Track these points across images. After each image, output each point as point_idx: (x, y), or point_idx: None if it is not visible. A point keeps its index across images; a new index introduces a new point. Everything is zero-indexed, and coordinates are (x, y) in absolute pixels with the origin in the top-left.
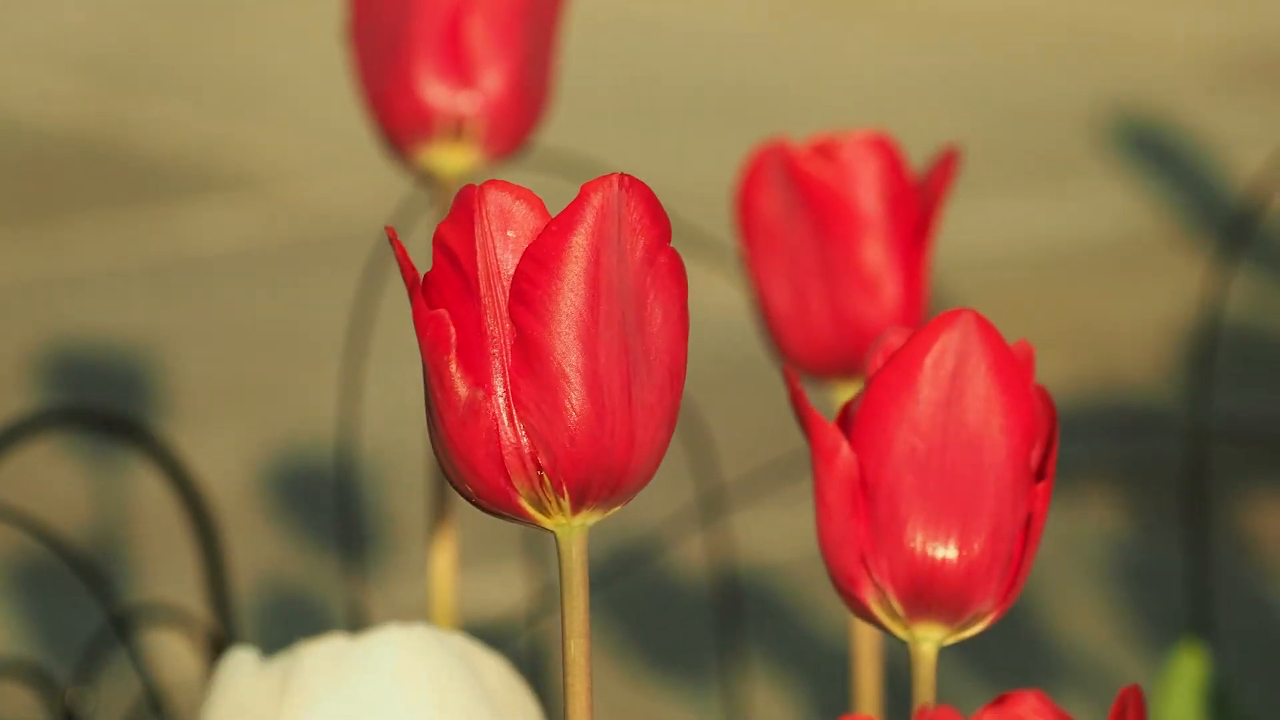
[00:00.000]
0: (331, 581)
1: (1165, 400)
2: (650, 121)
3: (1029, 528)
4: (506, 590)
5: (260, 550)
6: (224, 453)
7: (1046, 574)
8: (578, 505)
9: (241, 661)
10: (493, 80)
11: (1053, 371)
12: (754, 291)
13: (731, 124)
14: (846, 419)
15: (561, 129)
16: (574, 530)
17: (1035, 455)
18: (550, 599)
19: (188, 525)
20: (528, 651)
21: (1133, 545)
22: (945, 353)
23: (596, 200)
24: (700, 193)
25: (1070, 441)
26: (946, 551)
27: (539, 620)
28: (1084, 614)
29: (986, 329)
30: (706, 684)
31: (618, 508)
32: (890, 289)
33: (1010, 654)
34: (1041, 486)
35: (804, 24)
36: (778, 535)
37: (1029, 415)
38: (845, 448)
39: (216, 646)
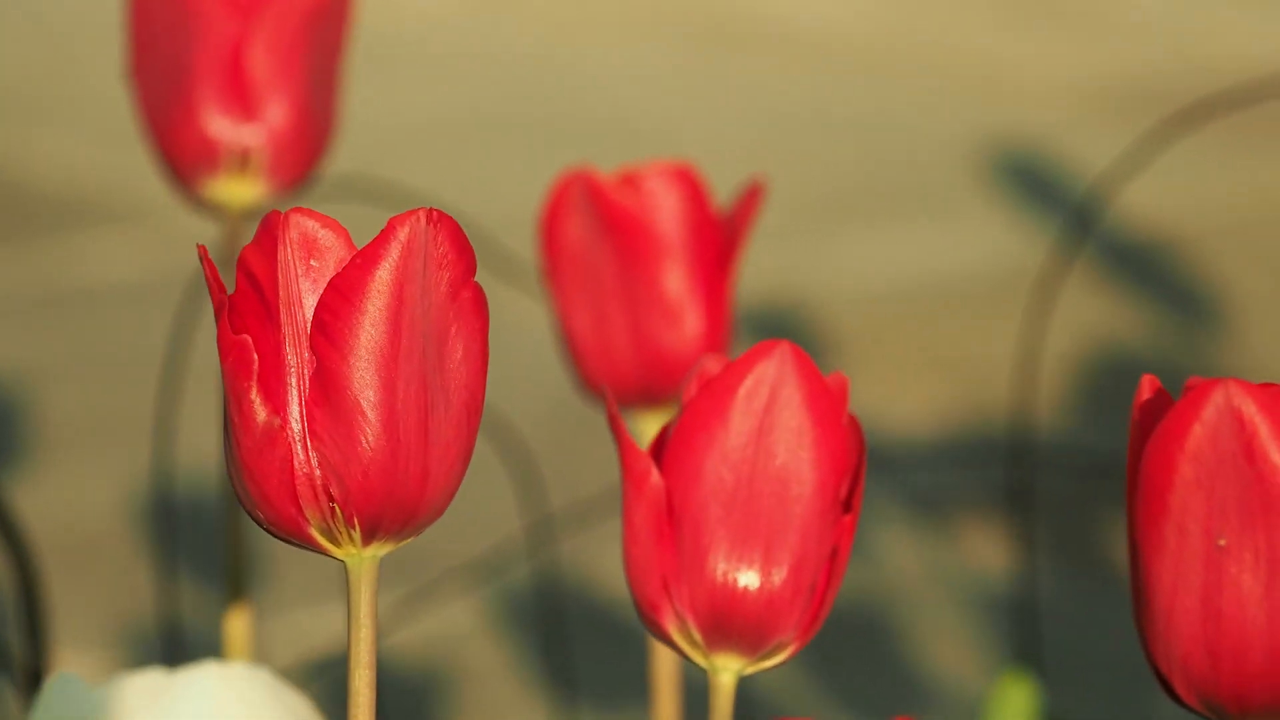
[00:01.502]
0: (215, 611)
1: (1037, 429)
2: (526, 154)
3: (834, 559)
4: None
5: (141, 580)
6: (106, 484)
7: (915, 602)
8: (369, 537)
9: (63, 690)
10: (276, 112)
11: (927, 401)
12: (558, 318)
13: (612, 158)
14: (661, 445)
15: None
16: (364, 561)
17: (844, 488)
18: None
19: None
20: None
21: (1002, 574)
22: (759, 383)
23: (403, 234)
24: None
25: (942, 470)
26: (748, 582)
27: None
28: (952, 642)
29: (801, 360)
30: (534, 712)
31: (409, 539)
32: (692, 318)
33: (877, 681)
34: (847, 519)
35: (693, 58)
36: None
37: (840, 448)
38: (655, 474)
39: (32, 680)
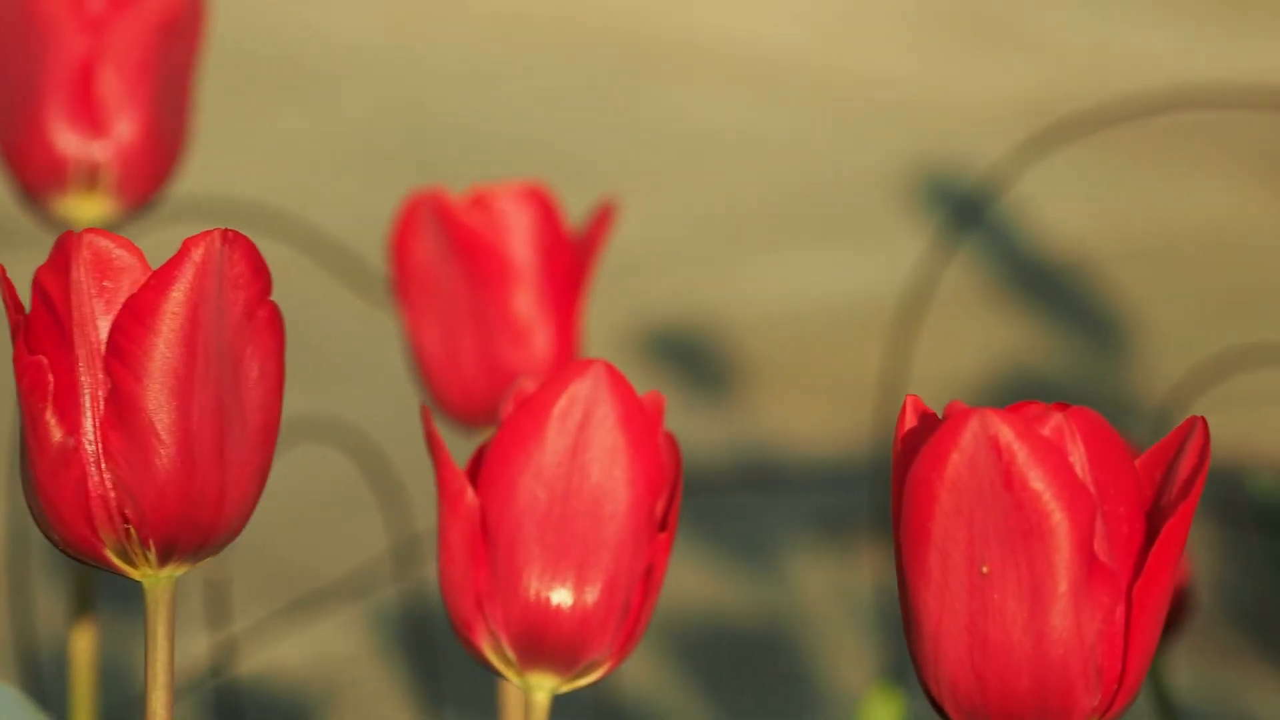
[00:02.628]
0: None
1: None
2: (435, 177)
3: (649, 577)
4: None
5: None
6: None
7: (815, 621)
8: (164, 558)
9: None
10: (126, 128)
11: (832, 422)
12: (408, 338)
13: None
14: (478, 464)
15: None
16: (160, 582)
17: (659, 506)
18: (228, 655)
19: None
20: (214, 704)
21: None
22: (574, 402)
23: (197, 255)
24: None
25: (845, 491)
26: (561, 600)
27: (220, 673)
28: (850, 660)
29: (616, 379)
30: None
31: (207, 559)
32: (541, 338)
33: (775, 700)
34: (663, 537)
35: (614, 80)
36: None
37: (655, 467)
38: (470, 492)
39: None
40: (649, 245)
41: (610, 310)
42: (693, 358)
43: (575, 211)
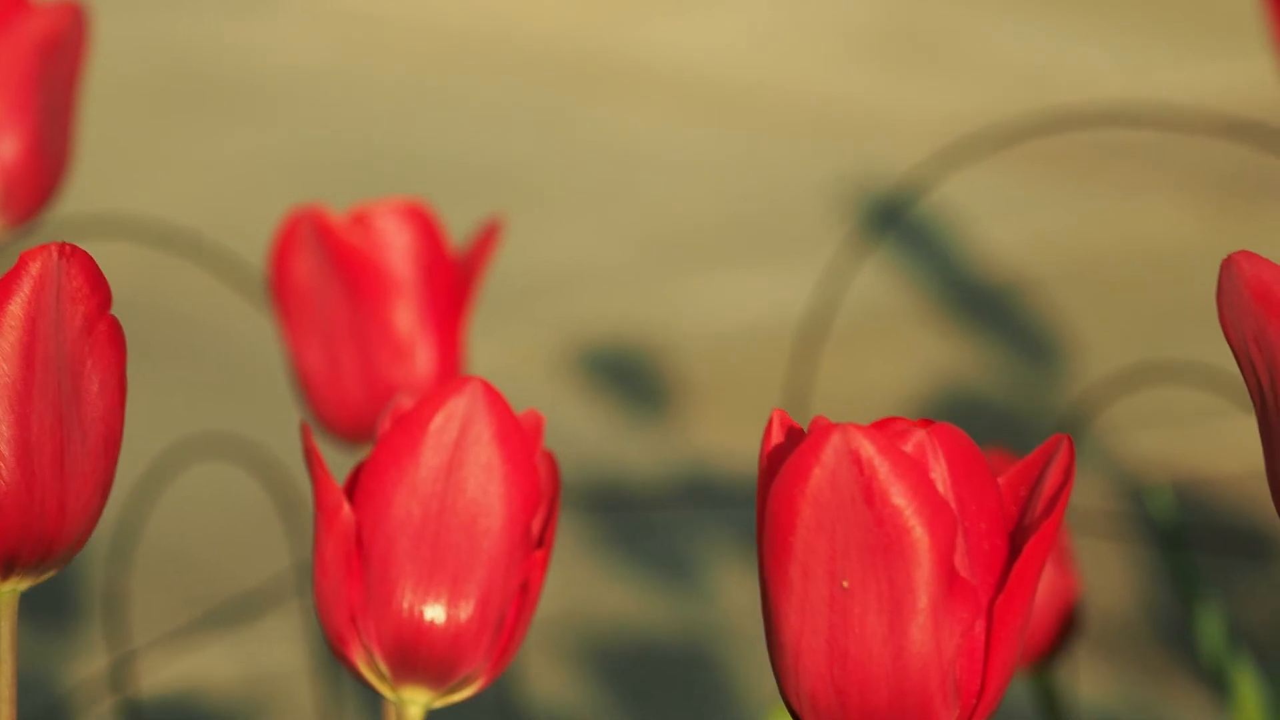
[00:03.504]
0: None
1: None
2: (372, 195)
3: (524, 593)
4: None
5: None
6: None
7: (746, 640)
8: (6, 572)
9: None
10: (8, 146)
11: None
12: (289, 354)
13: (478, 201)
14: (355, 479)
15: (278, 201)
16: (3, 597)
17: (536, 523)
18: (126, 672)
19: None
20: None
21: None
22: (450, 419)
23: (35, 269)
24: None
25: None
26: (434, 615)
27: (119, 690)
28: (755, 684)
29: (493, 397)
30: None
31: (51, 572)
32: (423, 356)
33: (699, 715)
34: (539, 554)
35: (556, 98)
36: None
37: (531, 484)
38: (346, 508)
39: None
40: (585, 264)
41: (545, 329)
42: (627, 376)
43: (519, 231)
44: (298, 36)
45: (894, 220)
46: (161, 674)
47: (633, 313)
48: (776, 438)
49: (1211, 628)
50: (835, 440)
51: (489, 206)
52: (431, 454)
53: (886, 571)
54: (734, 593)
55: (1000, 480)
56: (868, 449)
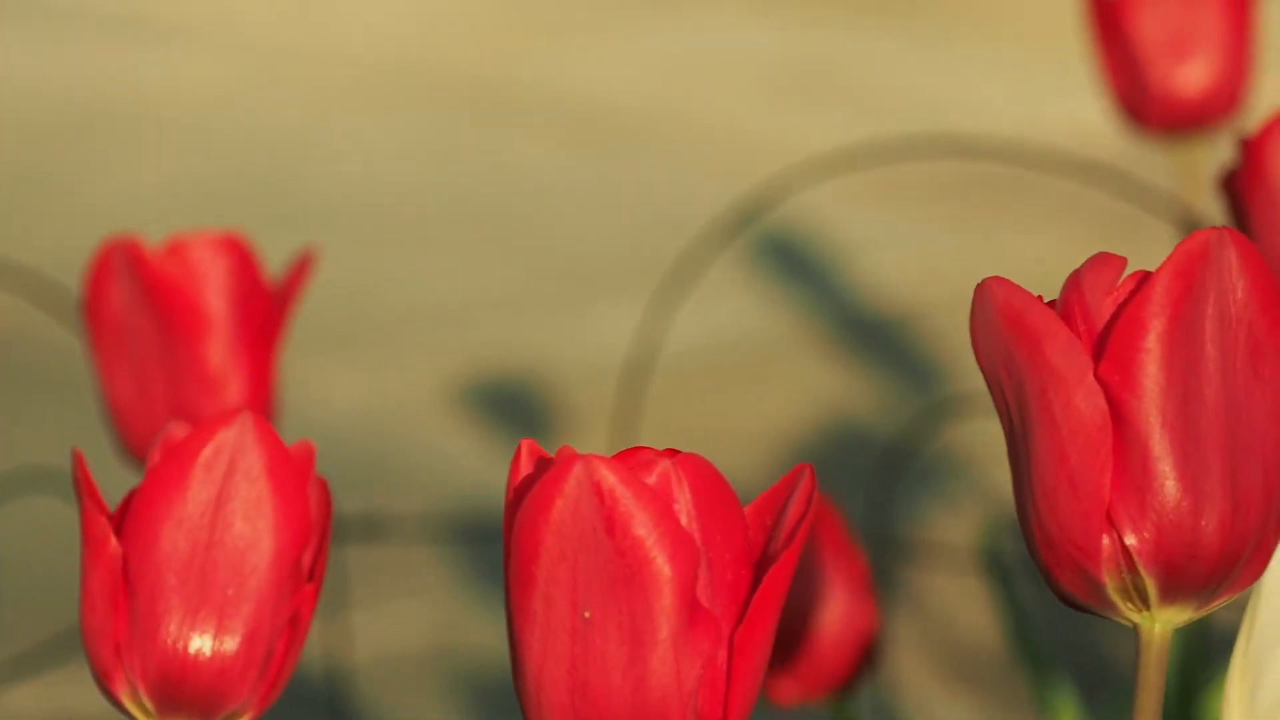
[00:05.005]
0: None
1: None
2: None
3: (294, 628)
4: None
5: None
6: None
7: None
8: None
9: None
10: None
11: None
12: (100, 384)
13: (372, 232)
14: (125, 510)
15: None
16: None
17: (306, 557)
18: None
19: None
20: None
21: None
22: (219, 452)
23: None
24: None
25: None
26: (199, 650)
27: None
28: None
29: (263, 429)
30: None
31: None
32: (234, 388)
33: None
34: (309, 588)
35: (458, 129)
36: (399, 628)
37: (301, 518)
38: (113, 540)
39: None
40: (478, 295)
41: (436, 359)
42: (515, 407)
43: (413, 261)
44: (196, 67)
45: (727, 246)
46: None
47: (524, 343)
48: (525, 468)
49: (1030, 657)
50: (577, 471)
51: (383, 237)
52: (200, 487)
53: (628, 602)
54: None
55: (746, 510)
56: (609, 479)
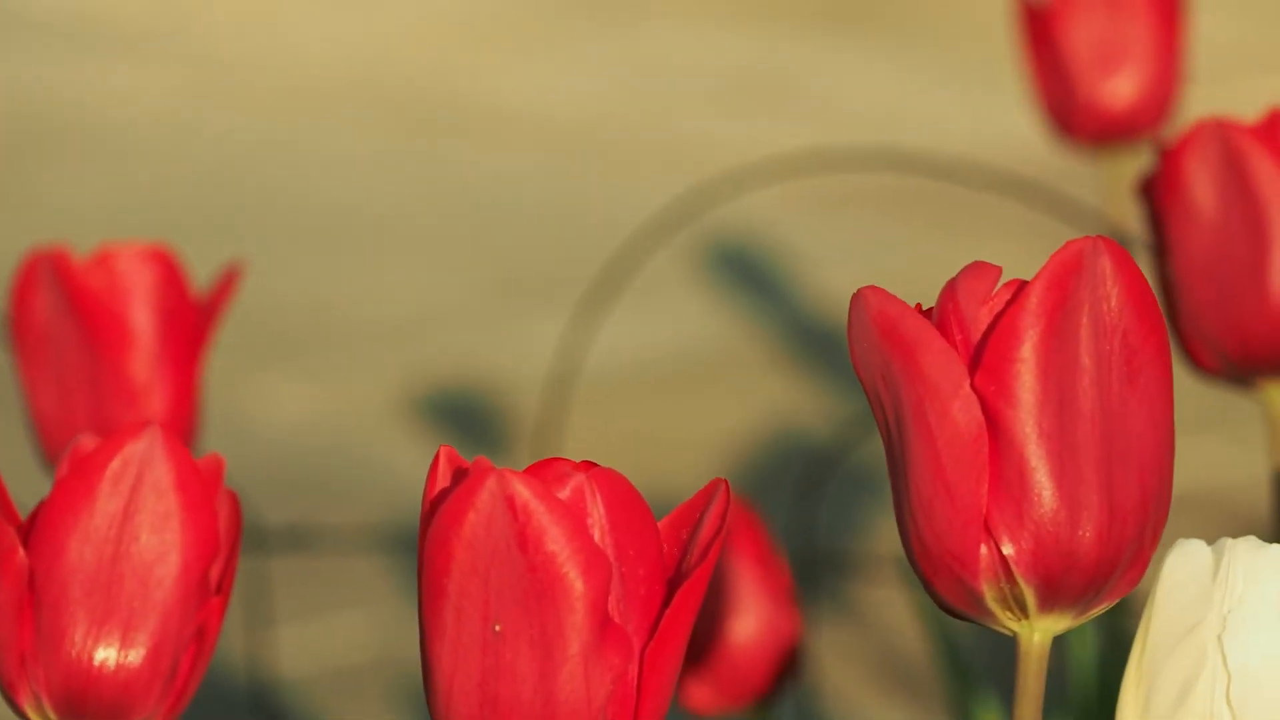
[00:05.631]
0: None
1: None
2: (216, 242)
3: (200, 640)
4: None
5: None
6: None
7: None
8: None
9: None
10: None
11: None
12: (25, 395)
13: (325, 245)
14: (33, 522)
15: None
16: None
17: (214, 570)
18: None
19: None
20: None
21: None
22: (127, 464)
23: None
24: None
25: None
26: (104, 662)
27: None
28: None
29: (172, 442)
30: None
31: None
32: (158, 400)
33: None
34: (216, 601)
35: (406, 142)
36: (334, 640)
37: (209, 531)
38: (21, 551)
39: None
40: (431, 307)
41: (386, 371)
42: (467, 419)
43: (366, 273)
44: (146, 79)
45: (651, 255)
46: None
47: (471, 355)
48: (443, 479)
49: (954, 666)
50: (491, 484)
51: (330, 249)
52: (107, 499)
53: (539, 616)
54: None
55: (661, 524)
56: (523, 493)
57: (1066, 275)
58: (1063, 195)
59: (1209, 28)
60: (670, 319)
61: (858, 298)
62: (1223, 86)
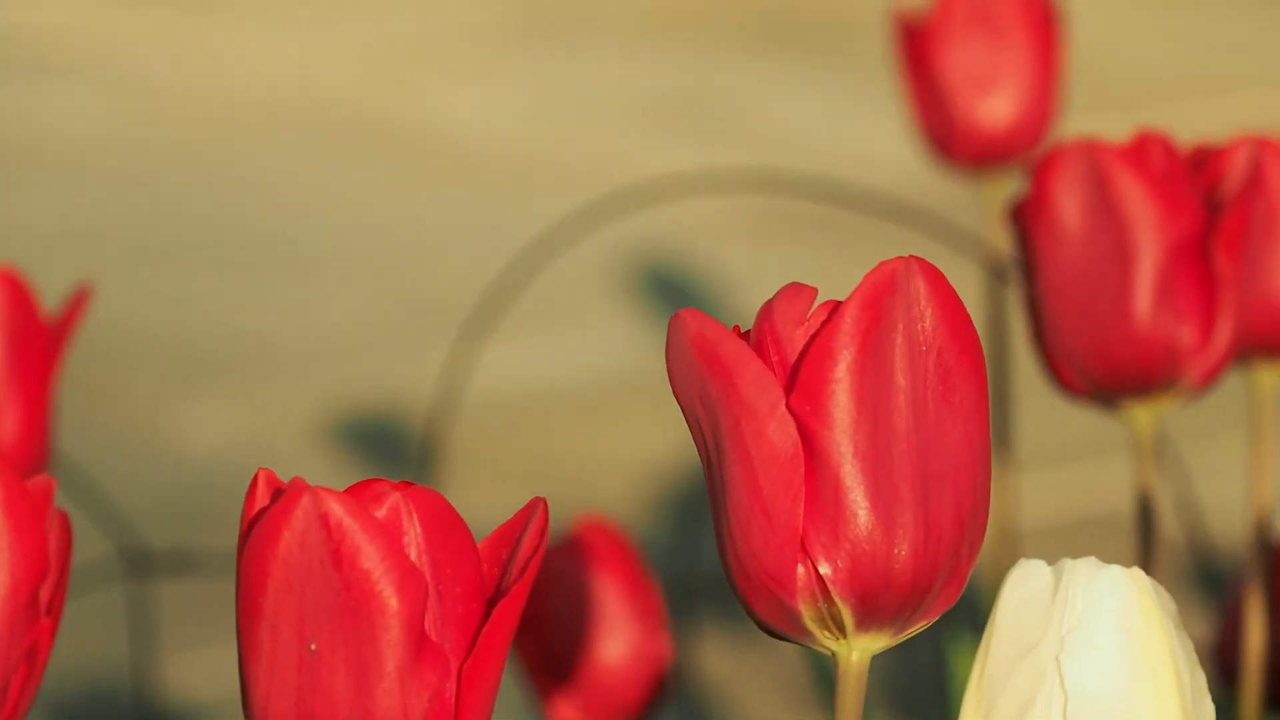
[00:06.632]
0: None
1: (652, 534)
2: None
3: (30, 663)
4: None
5: None
6: None
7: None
8: None
9: None
10: None
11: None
12: None
13: (250, 268)
14: None
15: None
16: None
17: (44, 591)
18: None
19: None
20: None
21: None
22: None
23: None
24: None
25: None
26: None
27: None
28: None
29: (2, 465)
30: None
31: None
32: (8, 421)
33: None
34: (46, 623)
35: (343, 167)
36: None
37: (39, 552)
38: None
39: None
40: (354, 329)
41: (307, 395)
42: (383, 443)
43: (288, 297)
44: (73, 103)
45: (535, 275)
46: None
47: (395, 380)
48: (261, 500)
49: (825, 685)
50: (305, 502)
51: (261, 274)
52: None
53: (354, 634)
54: None
55: (482, 544)
56: (337, 512)
57: (880, 295)
58: (943, 220)
59: (1148, 51)
60: (594, 343)
61: (675, 320)
62: (1152, 110)
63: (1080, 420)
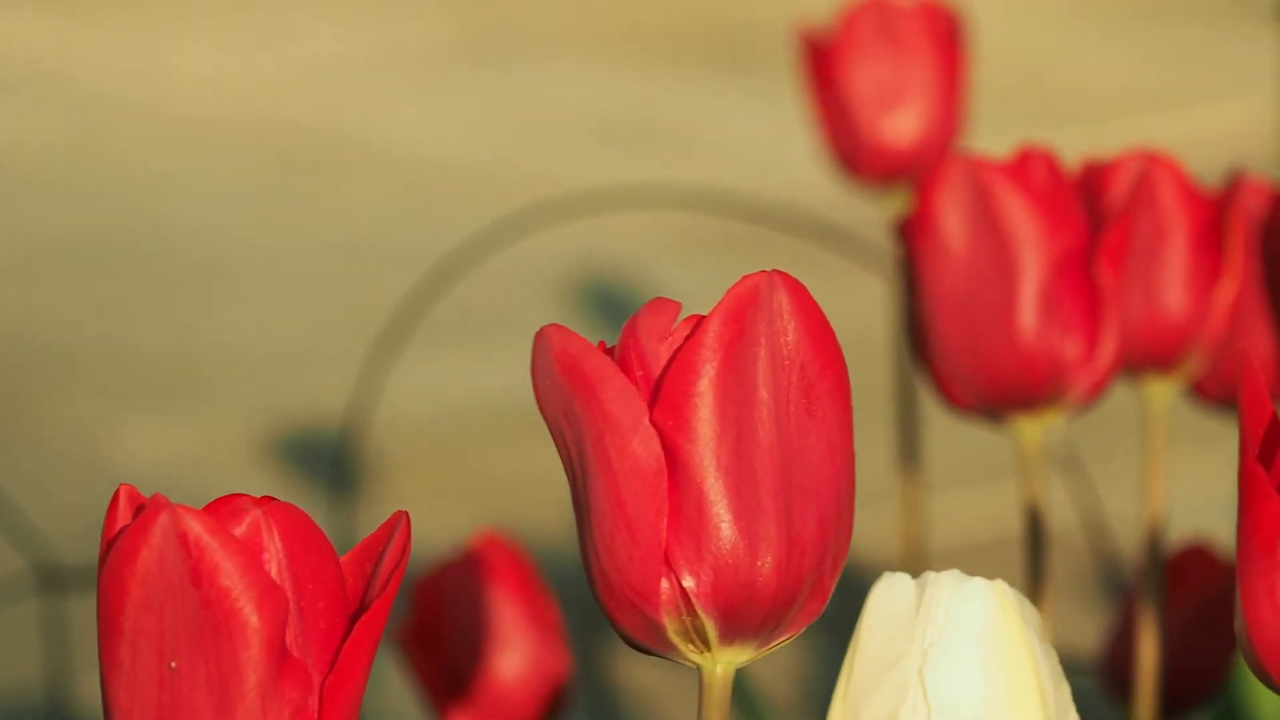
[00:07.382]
0: None
1: (570, 552)
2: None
3: None
4: None
5: None
6: None
7: None
8: None
9: None
10: None
11: (459, 524)
12: None
13: (197, 286)
14: None
15: None
16: None
17: None
18: None
19: None
20: None
21: None
22: None
23: None
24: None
25: None
26: None
27: None
28: None
29: None
30: None
31: None
32: None
33: None
34: None
35: (284, 183)
36: None
37: None
38: None
39: None
40: (295, 345)
41: (246, 411)
42: (328, 461)
43: (233, 315)
44: (13, 118)
45: (454, 283)
46: None
47: (333, 396)
48: (123, 517)
49: (746, 702)
50: (163, 520)
51: (206, 291)
52: None
53: (215, 652)
54: (397, 678)
55: (344, 558)
56: (195, 529)
57: (743, 309)
58: (860, 238)
59: (1087, 68)
60: (526, 360)
61: (540, 336)
62: (1102, 127)
63: (991, 441)
